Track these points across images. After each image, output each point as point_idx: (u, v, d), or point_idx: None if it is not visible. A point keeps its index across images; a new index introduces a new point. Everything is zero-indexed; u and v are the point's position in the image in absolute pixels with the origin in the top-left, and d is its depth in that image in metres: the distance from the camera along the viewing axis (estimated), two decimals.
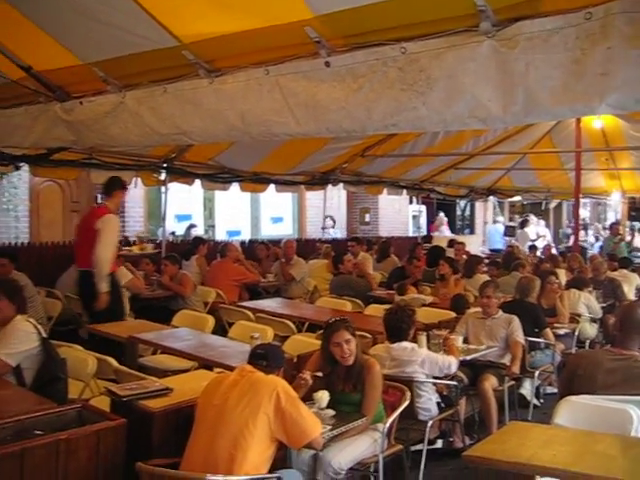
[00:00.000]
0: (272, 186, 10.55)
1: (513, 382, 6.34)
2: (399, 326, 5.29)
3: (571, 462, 3.13)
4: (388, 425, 4.47)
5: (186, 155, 8.85)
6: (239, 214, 13.70)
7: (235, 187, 10.12)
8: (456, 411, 5.56)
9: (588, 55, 2.42)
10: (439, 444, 5.81)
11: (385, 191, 12.74)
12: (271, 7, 2.99)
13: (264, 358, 3.76)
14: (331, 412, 4.21)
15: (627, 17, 2.34)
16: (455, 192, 14.67)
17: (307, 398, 4.20)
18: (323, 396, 4.23)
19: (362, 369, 4.43)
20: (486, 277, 9.11)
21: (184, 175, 9.26)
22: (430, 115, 2.82)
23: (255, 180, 10.18)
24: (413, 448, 5.33)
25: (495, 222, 18.41)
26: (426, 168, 12.52)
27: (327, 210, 13.06)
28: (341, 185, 11.91)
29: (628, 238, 16.28)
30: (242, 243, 11.60)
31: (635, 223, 15.59)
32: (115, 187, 6.74)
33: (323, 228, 11.74)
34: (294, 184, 10.93)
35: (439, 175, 13.21)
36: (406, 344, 5.26)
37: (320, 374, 4.42)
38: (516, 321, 6.37)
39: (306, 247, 11.72)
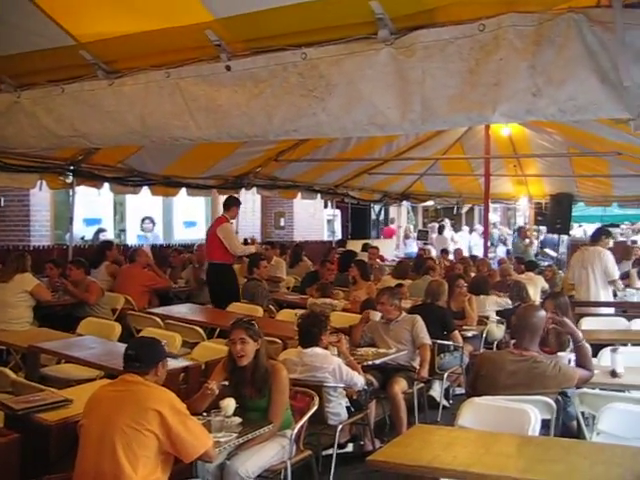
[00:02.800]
0: (184, 190, 10.37)
1: (423, 385, 6.43)
2: (312, 331, 5.28)
3: (470, 463, 3.19)
4: (296, 431, 4.45)
5: (94, 157, 8.59)
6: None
7: (146, 191, 9.89)
8: (366, 415, 5.60)
9: (482, 65, 2.47)
10: (350, 448, 5.83)
11: (299, 195, 12.76)
12: (171, 8, 2.92)
13: (136, 359, 3.63)
14: (237, 420, 4.16)
15: (517, 30, 2.41)
16: (369, 197, 14.84)
17: (214, 406, 4.15)
18: (229, 404, 4.17)
19: (268, 374, 4.39)
20: (393, 281, 9.24)
21: (92, 178, 8.96)
22: (330, 121, 2.81)
23: (166, 184, 9.98)
24: (324, 452, 5.34)
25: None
26: (340, 173, 12.61)
27: (242, 214, 12.95)
28: (255, 189, 11.82)
29: (535, 242, 16.86)
30: (153, 248, 11.37)
31: (542, 227, 16.12)
32: None
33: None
34: (206, 188, 10.80)
35: (353, 180, 13.33)
36: (319, 350, 5.24)
37: (226, 383, 4.37)
38: (419, 322, 6.42)
39: None
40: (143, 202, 12.19)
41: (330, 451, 5.24)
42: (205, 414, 4.03)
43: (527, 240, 15.72)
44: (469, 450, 3.37)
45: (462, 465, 3.13)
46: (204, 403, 4.22)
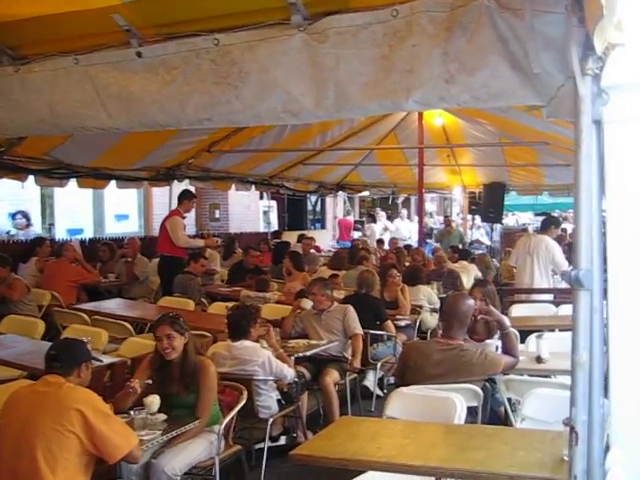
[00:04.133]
0: (113, 182, 10.10)
1: (355, 375, 6.44)
2: (241, 324, 5.22)
3: (394, 454, 3.18)
4: (224, 426, 4.39)
5: (17, 149, 8.26)
6: (81, 211, 13.07)
7: (73, 183, 9.60)
8: (297, 407, 5.56)
9: (395, 52, 2.42)
10: (283, 441, 5.79)
11: (234, 187, 12.60)
12: None
13: (57, 359, 3.53)
14: (162, 417, 4.07)
15: (429, 16, 2.37)
16: (304, 187, 14.76)
17: (139, 403, 4.05)
18: (154, 400, 4.08)
19: (196, 370, 4.31)
20: (330, 272, 9.23)
21: (15, 171, 8.62)
22: (244, 109, 2.73)
23: (94, 176, 9.68)
24: (257, 446, 5.29)
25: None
26: (275, 163, 12.50)
27: (173, 206, 12.74)
28: (188, 181, 11.62)
29: (469, 231, 17.13)
30: (82, 242, 11.08)
31: (476, 217, 16.38)
32: None
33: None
34: (137, 180, 10.54)
35: (288, 170, 13.24)
36: (248, 343, 5.19)
37: (150, 382, 4.26)
38: (351, 312, 6.44)
39: (152, 245, 11.36)
40: (72, 195, 11.83)
41: (263, 445, 5.20)
42: (133, 412, 3.94)
43: (447, 229, 15.95)
44: (394, 441, 3.37)
45: (386, 456, 3.12)
46: (128, 401, 4.12)
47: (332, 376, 6.07)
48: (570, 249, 10.75)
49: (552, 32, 2.25)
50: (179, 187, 11.91)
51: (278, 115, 2.71)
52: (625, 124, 2.25)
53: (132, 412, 3.90)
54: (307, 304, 6.30)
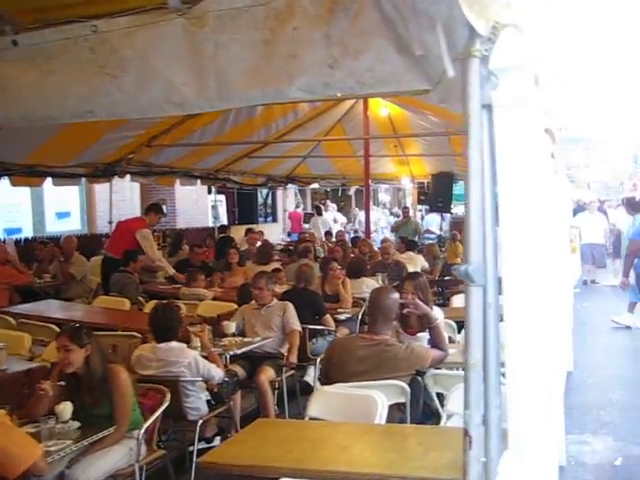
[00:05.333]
0: (49, 179, 9.78)
1: (293, 371, 6.31)
2: (165, 325, 5.05)
3: (303, 459, 3.05)
4: (144, 430, 4.22)
5: None
6: (20, 210, 12.67)
7: (6, 181, 9.27)
8: (229, 407, 5.41)
9: (277, 36, 2.26)
10: (217, 442, 5.64)
11: (178, 182, 12.36)
12: None
13: None
14: (75, 425, 3.90)
15: None
16: (252, 181, 14.54)
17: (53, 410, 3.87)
18: (65, 408, 3.90)
19: (104, 380, 4.11)
20: (258, 268, 9.07)
21: None
22: (125, 100, 2.55)
23: (28, 173, 9.37)
24: (192, 448, 5.14)
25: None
26: (219, 157, 12.28)
27: (119, 203, 12.46)
28: (129, 177, 11.33)
29: (419, 221, 17.11)
30: (18, 242, 10.74)
31: (425, 207, 16.37)
32: None
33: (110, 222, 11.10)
34: (75, 177, 10.23)
35: (234, 164, 13.01)
36: (174, 344, 5.03)
37: (63, 383, 4.08)
38: (290, 308, 6.33)
39: (94, 243, 11.09)
40: (9, 193, 11.43)
41: (199, 446, 5.05)
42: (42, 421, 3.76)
43: (403, 219, 15.93)
44: (307, 445, 3.23)
45: (295, 462, 2.98)
46: (40, 406, 3.94)
47: (267, 373, 5.94)
48: None
49: (437, 11, 2.12)
50: (121, 183, 11.67)
51: (161, 106, 2.54)
52: (515, 108, 2.14)
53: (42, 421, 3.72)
54: (230, 328, 6.10)
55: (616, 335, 9.63)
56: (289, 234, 16.77)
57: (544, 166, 2.18)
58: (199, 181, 12.88)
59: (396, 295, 4.64)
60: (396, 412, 4.28)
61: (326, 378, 4.43)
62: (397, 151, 13.98)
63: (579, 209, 15.85)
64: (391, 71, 2.21)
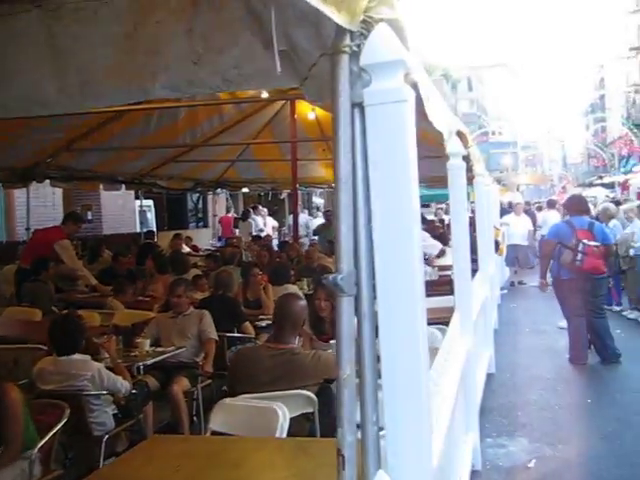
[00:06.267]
0: None
1: (210, 381, 6.12)
2: (65, 337, 4.82)
3: (193, 476, 2.88)
4: (36, 450, 3.97)
5: None
6: None
7: None
8: (139, 421, 5.19)
9: (139, 30, 2.10)
10: None
11: (102, 186, 11.99)
12: None
13: None
14: None
15: None
16: (180, 185, 14.19)
17: None
18: None
19: None
20: (197, 272, 8.88)
21: None
22: None
23: None
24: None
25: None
26: (144, 161, 11.96)
27: (41, 209, 12.02)
28: (48, 182, 10.92)
29: None
30: None
31: None
32: None
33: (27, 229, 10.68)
34: None
35: (160, 168, 12.69)
36: (77, 356, 4.80)
37: None
38: (207, 316, 6.17)
39: (11, 251, 10.66)
40: None
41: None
42: None
43: (328, 222, 15.79)
44: (198, 462, 3.05)
45: None
46: None
47: (181, 384, 5.75)
48: (439, 238, 10.82)
49: (305, 3, 1.99)
50: (42, 189, 11.25)
51: (25, 106, 2.35)
52: (390, 107, 2.02)
53: None
54: (144, 345, 5.86)
55: (539, 336, 9.75)
56: (219, 239, 16.51)
57: (413, 169, 2.06)
58: (124, 186, 12.54)
59: (303, 302, 4.51)
60: (305, 422, 4.15)
61: (231, 389, 4.26)
62: (326, 155, 13.88)
63: (505, 212, 16.09)
64: (258, 67, 2.07)
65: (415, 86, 2.55)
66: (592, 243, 7.89)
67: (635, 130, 49.98)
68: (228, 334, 6.57)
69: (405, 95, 2.02)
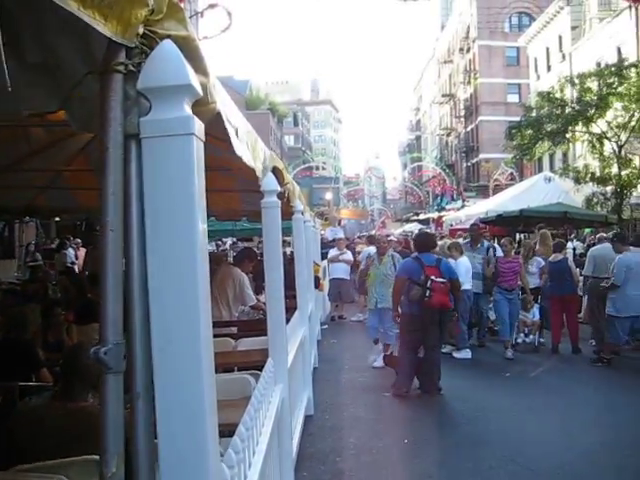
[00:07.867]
0: None
1: None
2: None
3: None
4: None
5: None
6: None
7: None
8: None
9: None
10: None
11: None
12: None
13: None
14: None
15: None
16: None
17: None
18: None
19: None
20: None
21: None
22: None
23: None
24: None
25: None
26: None
27: None
28: None
29: None
30: None
31: None
32: None
33: None
34: None
35: None
36: None
37: None
38: None
39: None
40: None
41: None
42: None
43: None
44: None
45: None
46: None
47: None
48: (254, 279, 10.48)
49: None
50: None
51: None
52: (173, 140, 1.67)
53: None
54: None
55: (359, 373, 9.70)
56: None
57: (200, 216, 1.72)
58: None
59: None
60: None
61: (9, 458, 3.63)
62: None
63: (328, 247, 16.20)
64: (3, 85, 1.63)
65: (219, 117, 2.24)
66: (439, 280, 8.22)
67: (447, 170, 53.53)
68: (21, 383, 5.84)
69: (191, 127, 1.67)
